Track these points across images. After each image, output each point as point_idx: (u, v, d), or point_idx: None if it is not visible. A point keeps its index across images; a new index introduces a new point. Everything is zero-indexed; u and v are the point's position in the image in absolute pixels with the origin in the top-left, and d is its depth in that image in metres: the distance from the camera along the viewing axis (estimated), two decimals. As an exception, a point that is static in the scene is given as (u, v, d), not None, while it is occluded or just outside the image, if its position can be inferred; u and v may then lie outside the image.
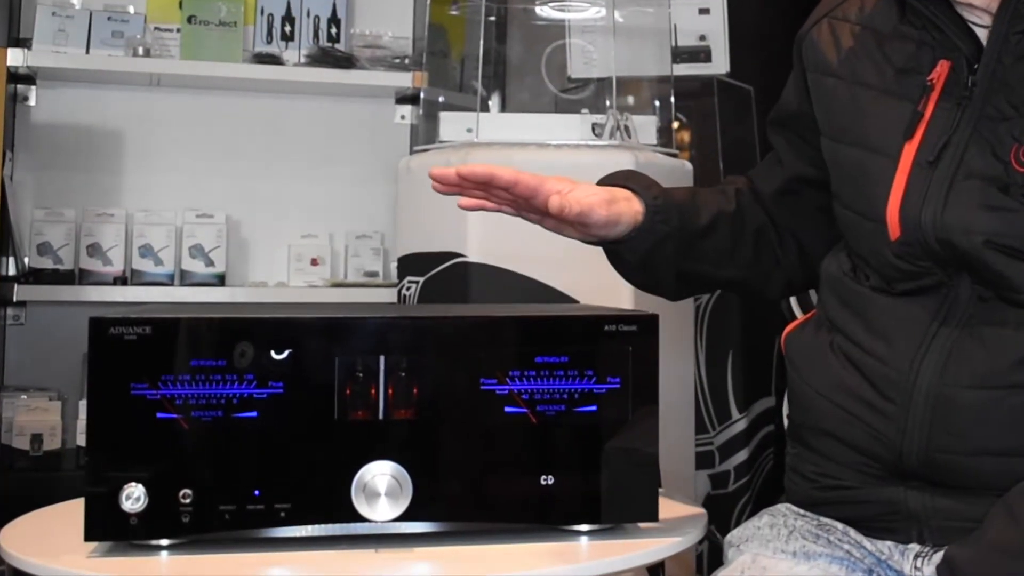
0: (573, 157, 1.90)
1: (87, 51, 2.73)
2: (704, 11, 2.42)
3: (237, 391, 1.02)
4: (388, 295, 2.83)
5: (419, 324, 1.07)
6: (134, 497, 0.99)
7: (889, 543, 1.15)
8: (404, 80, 2.87)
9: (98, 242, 2.74)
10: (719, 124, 2.42)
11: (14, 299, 2.63)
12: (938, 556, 1.08)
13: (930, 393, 1.09)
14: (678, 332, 2.01)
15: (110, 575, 0.97)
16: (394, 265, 2.66)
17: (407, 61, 2.89)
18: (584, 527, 1.08)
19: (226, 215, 2.85)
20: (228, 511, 1.01)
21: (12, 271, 2.71)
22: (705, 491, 2.33)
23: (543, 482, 1.06)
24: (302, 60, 2.86)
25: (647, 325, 1.09)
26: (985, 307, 1.09)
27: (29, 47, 2.67)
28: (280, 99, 2.96)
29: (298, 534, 1.03)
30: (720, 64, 2.42)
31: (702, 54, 2.41)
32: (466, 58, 2.68)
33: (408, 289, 2.00)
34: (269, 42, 2.88)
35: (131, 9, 2.80)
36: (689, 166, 2.05)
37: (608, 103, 2.04)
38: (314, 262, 2.93)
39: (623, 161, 1.82)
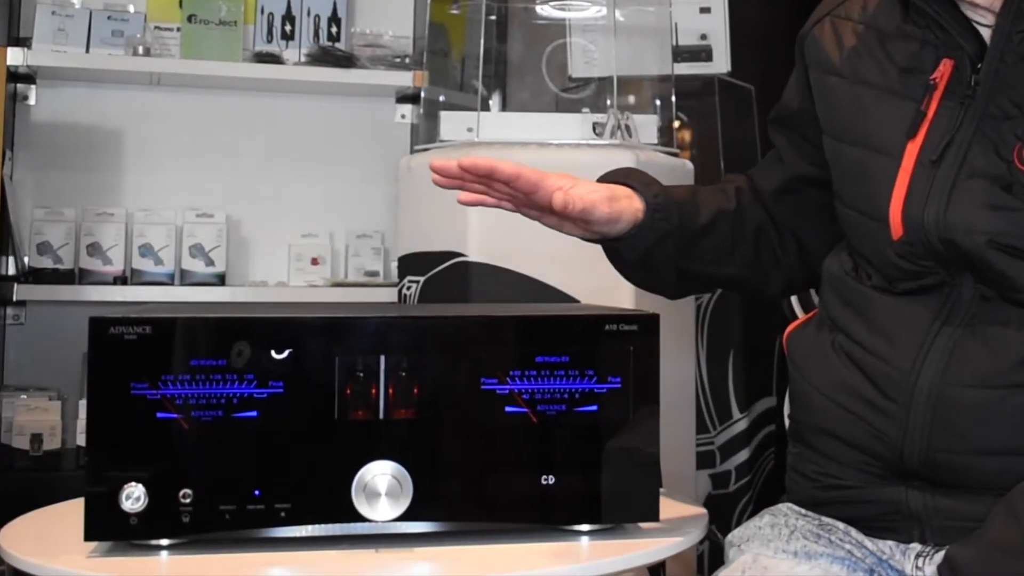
0: (574, 156, 1.90)
1: (87, 50, 2.73)
2: (705, 10, 2.41)
3: (237, 391, 1.01)
4: (388, 295, 2.83)
5: (420, 324, 1.06)
6: (134, 497, 0.99)
7: (890, 543, 1.15)
8: (405, 79, 2.87)
9: (98, 241, 2.74)
10: (720, 123, 2.42)
11: (14, 299, 2.63)
12: (939, 556, 1.08)
13: (932, 393, 1.08)
14: (679, 332, 2.01)
15: (110, 575, 0.97)
16: (394, 265, 2.65)
17: (408, 60, 2.89)
18: (585, 527, 1.07)
19: (226, 214, 2.84)
20: (228, 511, 1.01)
21: (12, 271, 2.71)
22: (706, 491, 2.33)
23: (544, 482, 1.06)
24: (302, 59, 2.85)
25: (648, 325, 1.09)
26: (987, 307, 1.09)
27: (29, 46, 2.66)
28: (280, 98, 2.96)
29: (298, 534, 1.02)
30: (721, 63, 2.41)
31: (703, 53, 2.41)
32: (467, 57, 2.67)
33: (408, 289, 2.00)
34: (269, 41, 2.87)
35: (131, 8, 2.80)
36: (690, 165, 2.05)
37: (609, 102, 2.04)
38: (314, 262, 2.93)
39: (624, 160, 1.82)
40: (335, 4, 2.92)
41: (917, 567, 1.12)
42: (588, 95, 2.27)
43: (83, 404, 2.41)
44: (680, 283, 1.33)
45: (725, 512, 2.31)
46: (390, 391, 1.04)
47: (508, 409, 1.06)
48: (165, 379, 1.00)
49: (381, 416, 1.04)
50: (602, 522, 1.07)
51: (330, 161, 3.00)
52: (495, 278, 1.86)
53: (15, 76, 2.69)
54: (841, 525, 1.18)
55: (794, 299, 2.27)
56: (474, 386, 1.05)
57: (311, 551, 1.02)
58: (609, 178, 1.27)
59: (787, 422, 1.30)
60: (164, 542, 1.01)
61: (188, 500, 1.00)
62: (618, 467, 1.07)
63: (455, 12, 2.52)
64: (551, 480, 1.06)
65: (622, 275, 1.31)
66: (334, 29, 2.91)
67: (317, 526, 1.03)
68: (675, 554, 1.10)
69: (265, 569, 0.99)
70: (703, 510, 1.21)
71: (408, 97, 2.97)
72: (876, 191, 1.14)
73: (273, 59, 2.82)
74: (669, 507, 1.15)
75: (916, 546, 1.13)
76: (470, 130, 2.00)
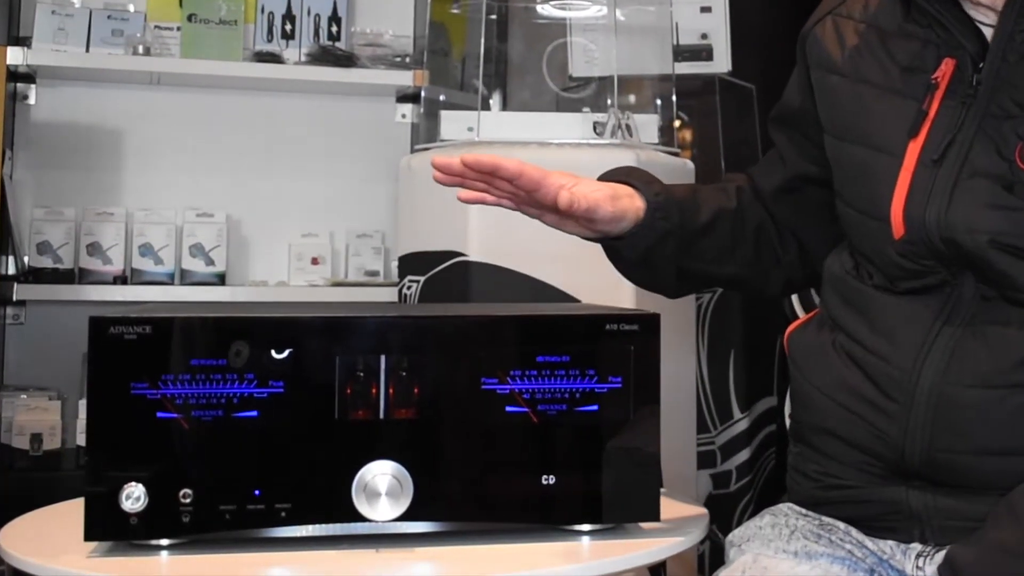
0: (574, 156, 1.90)
1: (87, 49, 2.72)
2: (706, 9, 2.41)
3: (237, 391, 1.01)
4: (389, 294, 2.83)
5: (420, 323, 1.06)
6: (134, 497, 0.99)
7: (891, 543, 1.15)
8: (405, 79, 2.86)
9: (98, 241, 2.74)
10: (721, 123, 2.42)
11: (14, 298, 2.63)
12: (940, 556, 1.08)
13: (932, 392, 1.08)
14: (680, 331, 2.01)
15: (110, 575, 0.96)
16: (395, 264, 2.65)
17: (408, 60, 2.89)
18: (585, 527, 1.07)
19: (226, 214, 2.84)
20: (228, 511, 1.01)
21: (12, 270, 2.71)
22: (707, 491, 2.33)
23: (544, 482, 1.06)
24: (302, 59, 2.85)
25: (648, 324, 1.09)
26: (988, 306, 1.09)
27: (29, 45, 2.66)
28: (280, 98, 2.96)
29: (298, 534, 1.02)
30: (722, 63, 2.41)
31: (704, 52, 2.41)
32: (467, 57, 2.67)
33: (409, 288, 2.00)
34: (269, 40, 2.87)
35: (131, 7, 2.80)
36: (690, 165, 2.05)
37: (609, 102, 2.04)
38: (315, 261, 2.93)
39: (624, 160, 1.81)
40: (335, 3, 2.92)
41: (918, 567, 1.12)
42: (589, 94, 2.27)
43: (83, 404, 2.41)
44: (680, 282, 1.33)
45: (726, 512, 2.31)
46: (390, 391, 1.04)
47: (508, 409, 1.06)
48: (165, 379, 1.00)
49: (381, 416, 1.04)
50: (603, 522, 1.07)
51: (330, 160, 3.00)
52: (495, 278, 1.86)
53: (15, 76, 2.69)
54: (842, 525, 1.18)
55: (795, 299, 2.27)
56: (474, 386, 1.05)
57: (311, 551, 1.02)
58: (610, 177, 1.27)
59: (788, 422, 1.30)
60: (164, 542, 1.00)
61: (188, 500, 1.00)
62: (619, 467, 1.07)
63: (455, 11, 2.52)
64: (552, 480, 1.06)
65: (622, 274, 1.31)
66: (334, 28, 2.91)
67: (317, 526, 1.03)
68: (676, 554, 1.10)
69: (265, 569, 0.99)
70: (704, 510, 1.21)
71: (408, 96, 2.97)
72: (877, 190, 1.13)
73: (273, 58, 2.82)
74: (670, 507, 1.15)
75: (917, 546, 1.13)
76: (470, 129, 2.00)
